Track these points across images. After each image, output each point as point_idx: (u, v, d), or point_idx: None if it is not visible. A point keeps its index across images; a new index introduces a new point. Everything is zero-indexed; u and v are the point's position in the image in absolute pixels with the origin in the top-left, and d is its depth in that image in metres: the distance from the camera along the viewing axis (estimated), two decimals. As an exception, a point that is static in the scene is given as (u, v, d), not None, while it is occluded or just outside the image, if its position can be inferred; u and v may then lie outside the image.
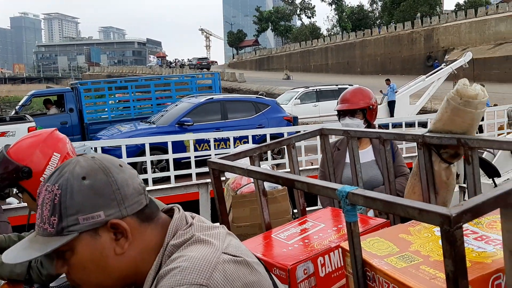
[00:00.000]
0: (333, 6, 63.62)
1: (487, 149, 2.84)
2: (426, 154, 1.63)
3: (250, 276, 0.94)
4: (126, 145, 6.19)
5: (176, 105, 10.21)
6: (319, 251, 1.46)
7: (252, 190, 3.05)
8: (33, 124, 9.17)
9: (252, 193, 3.01)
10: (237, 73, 39.56)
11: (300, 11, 70.26)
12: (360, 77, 37.62)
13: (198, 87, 14.42)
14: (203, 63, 56.50)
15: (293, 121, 9.79)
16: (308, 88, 17.21)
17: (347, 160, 2.37)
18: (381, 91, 17.04)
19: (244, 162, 1.71)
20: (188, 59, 70.42)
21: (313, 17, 70.40)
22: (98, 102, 13.79)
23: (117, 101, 14.43)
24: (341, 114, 2.69)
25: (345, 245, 1.21)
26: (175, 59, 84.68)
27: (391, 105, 16.11)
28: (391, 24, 47.54)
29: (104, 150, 6.30)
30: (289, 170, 2.14)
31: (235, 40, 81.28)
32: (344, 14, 62.26)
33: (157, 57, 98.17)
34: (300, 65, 51.81)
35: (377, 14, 62.37)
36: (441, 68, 15.09)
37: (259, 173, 1.48)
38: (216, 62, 77.27)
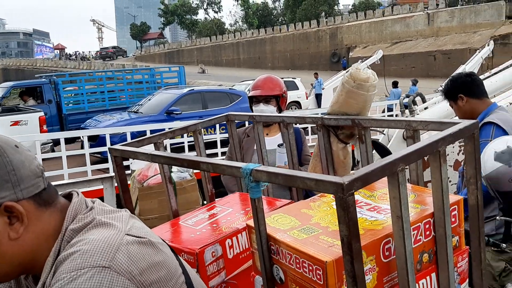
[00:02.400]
0: (239, 1, 64.33)
1: (383, 133, 3.07)
2: (325, 136, 1.72)
3: (155, 256, 0.92)
4: (125, 133, 6.91)
5: (153, 96, 11.06)
6: (227, 234, 1.47)
7: (159, 181, 2.98)
8: (42, 113, 9.77)
9: (160, 184, 2.93)
10: (153, 66, 38.42)
11: (207, 6, 70.14)
12: (271, 71, 38.43)
13: (165, 80, 15.87)
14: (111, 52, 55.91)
15: None
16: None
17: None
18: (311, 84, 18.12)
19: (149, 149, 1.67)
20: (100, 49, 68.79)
21: (220, 12, 70.75)
22: (75, 94, 14.52)
23: (97, 92, 14.74)
24: (255, 100, 2.73)
25: (251, 222, 1.24)
26: (76, 51, 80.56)
27: (318, 97, 17.42)
28: (295, 21, 49.28)
29: (101, 138, 7.19)
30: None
31: (138, 32, 78.88)
32: (249, 10, 63.27)
33: (55, 49, 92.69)
34: (212, 59, 51.81)
35: (280, 12, 64.39)
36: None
37: (163, 157, 1.45)
38: (125, 51, 74.64)
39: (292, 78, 18.22)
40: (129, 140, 5.70)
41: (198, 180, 2.69)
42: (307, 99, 17.73)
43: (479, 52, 13.51)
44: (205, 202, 2.99)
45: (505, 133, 2.35)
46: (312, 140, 7.19)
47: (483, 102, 2.61)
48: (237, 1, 64.73)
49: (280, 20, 62.69)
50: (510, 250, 2.40)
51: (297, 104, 17.35)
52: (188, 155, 1.50)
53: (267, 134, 2.70)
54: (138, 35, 78.81)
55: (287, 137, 1.92)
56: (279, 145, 2.45)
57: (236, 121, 2.08)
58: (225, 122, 2.05)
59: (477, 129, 1.15)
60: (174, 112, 9.56)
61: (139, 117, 9.83)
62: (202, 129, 1.94)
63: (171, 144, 7.65)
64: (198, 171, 1.45)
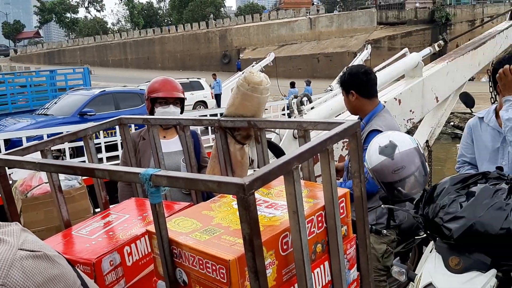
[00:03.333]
0: (123, 0, 62.19)
1: (276, 132, 3.22)
2: (222, 137, 1.76)
3: (52, 270, 0.88)
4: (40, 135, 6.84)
5: (59, 98, 10.93)
6: (124, 241, 1.44)
7: (45, 191, 2.79)
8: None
9: (46, 194, 2.75)
10: (33, 67, 35.31)
11: (88, 4, 66.61)
12: (162, 72, 37.80)
13: (69, 81, 15.28)
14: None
15: None
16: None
17: None
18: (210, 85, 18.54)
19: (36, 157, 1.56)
20: None
21: (102, 11, 67.80)
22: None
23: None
24: (163, 102, 2.64)
25: (152, 228, 1.23)
26: None
27: (218, 97, 17.83)
28: (183, 22, 49.04)
29: (13, 142, 7.08)
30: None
31: (11, 31, 72.27)
32: (134, 10, 61.48)
33: None
34: (97, 60, 49.20)
35: (165, 12, 63.63)
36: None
37: (53, 165, 1.37)
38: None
39: (197, 78, 18.62)
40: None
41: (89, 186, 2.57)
42: (212, 98, 18.12)
43: (359, 55, 14.72)
44: (97, 210, 2.86)
45: None
46: (213, 140, 7.25)
47: (371, 102, 2.77)
48: (121, 0, 62.43)
49: (166, 21, 61.76)
50: (390, 233, 2.67)
51: (203, 104, 17.67)
52: (78, 162, 1.42)
53: (164, 137, 2.66)
54: (11, 34, 72.09)
55: (184, 139, 1.92)
56: (183, 160, 2.42)
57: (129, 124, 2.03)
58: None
59: (359, 128, 1.27)
60: (88, 114, 9.58)
61: (51, 119, 9.70)
62: (92, 134, 1.86)
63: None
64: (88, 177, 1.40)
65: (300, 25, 38.79)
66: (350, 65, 13.41)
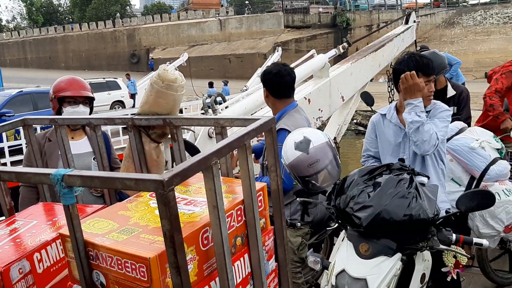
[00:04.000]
0: (19, -3, 57.71)
1: (192, 130, 3.21)
2: (136, 136, 1.72)
3: None
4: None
5: None
6: (34, 247, 1.36)
7: None
8: None
9: None
10: None
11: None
12: (66, 71, 35.60)
13: None
14: None
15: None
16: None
17: None
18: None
19: None
20: None
21: (-5, 8, 62.49)
22: None
23: None
24: (72, 102, 2.50)
25: (65, 231, 1.17)
26: None
27: (133, 97, 17.72)
28: (86, 21, 46.81)
29: None
30: None
31: None
32: (33, 7, 57.31)
33: None
34: (-8, 59, 45.25)
35: (66, 9, 60.24)
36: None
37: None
38: None
39: (114, 78, 18.32)
40: None
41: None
42: (130, 98, 17.82)
43: (271, 57, 15.12)
44: (1, 218, 2.64)
45: None
46: (124, 142, 7.01)
47: (282, 102, 2.83)
48: (17, -4, 57.79)
49: (67, 18, 58.28)
50: (304, 226, 2.79)
51: (121, 104, 17.35)
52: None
53: (72, 138, 2.52)
54: None
55: (95, 140, 1.84)
56: (94, 158, 2.31)
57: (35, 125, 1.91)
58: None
59: (274, 124, 1.32)
60: (6, 114, 9.25)
61: None
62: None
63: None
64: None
65: (210, 26, 38.83)
66: (263, 66, 13.78)
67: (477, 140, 3.07)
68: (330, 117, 5.41)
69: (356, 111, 6.93)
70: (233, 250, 1.23)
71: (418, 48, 6.35)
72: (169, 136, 1.69)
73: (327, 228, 3.19)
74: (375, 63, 5.66)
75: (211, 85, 17.80)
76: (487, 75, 4.38)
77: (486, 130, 3.29)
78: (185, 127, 2.50)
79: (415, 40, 7.10)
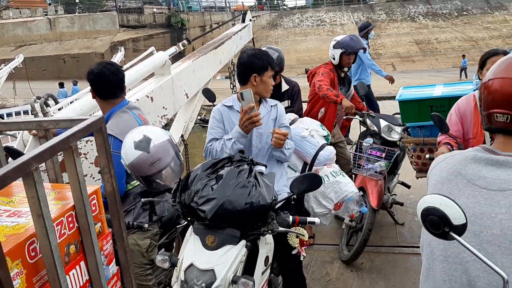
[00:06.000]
0: None
1: (15, 136, 2.90)
2: None
3: None
4: None
5: None
6: None
7: None
8: None
9: None
10: None
11: None
12: None
13: None
14: None
15: None
16: None
17: None
18: None
19: None
20: None
21: None
22: None
23: None
24: None
25: None
26: None
27: None
28: None
29: None
30: None
31: None
32: None
33: None
34: None
35: None
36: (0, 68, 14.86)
37: None
38: None
39: None
40: None
41: None
42: None
43: (115, 56, 14.55)
44: None
45: (120, 142, 2.41)
46: None
47: (108, 103, 2.70)
48: None
49: None
50: (152, 227, 2.75)
51: None
52: None
53: None
54: None
55: None
56: None
57: None
58: None
59: (104, 123, 1.28)
60: None
61: None
62: None
63: None
64: None
65: (39, 26, 35.68)
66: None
67: (306, 129, 3.39)
68: (176, 114, 5.41)
69: (202, 107, 7.04)
70: (66, 259, 1.17)
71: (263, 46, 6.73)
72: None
73: (177, 226, 3.19)
74: (216, 60, 5.82)
75: (61, 85, 16.97)
76: (307, 72, 4.90)
77: (314, 120, 3.65)
78: (8, 132, 2.26)
79: (253, 38, 7.49)
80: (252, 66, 2.66)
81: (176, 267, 2.19)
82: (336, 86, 4.44)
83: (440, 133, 2.75)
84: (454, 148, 2.63)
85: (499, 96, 1.34)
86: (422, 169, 3.66)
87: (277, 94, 3.78)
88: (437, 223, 1.17)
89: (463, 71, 22.62)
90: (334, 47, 4.41)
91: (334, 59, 4.43)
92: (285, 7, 46.88)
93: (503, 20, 36.89)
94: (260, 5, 41.06)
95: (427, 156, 3.10)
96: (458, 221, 1.15)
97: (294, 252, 2.40)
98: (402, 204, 4.49)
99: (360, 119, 4.41)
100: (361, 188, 3.89)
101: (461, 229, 1.16)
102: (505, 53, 2.92)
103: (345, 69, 4.50)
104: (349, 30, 37.53)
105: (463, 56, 25.63)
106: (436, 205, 1.17)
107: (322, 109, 4.42)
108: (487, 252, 1.26)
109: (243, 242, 2.16)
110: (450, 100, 3.34)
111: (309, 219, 2.35)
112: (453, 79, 20.68)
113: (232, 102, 2.81)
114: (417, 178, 3.76)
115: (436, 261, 1.38)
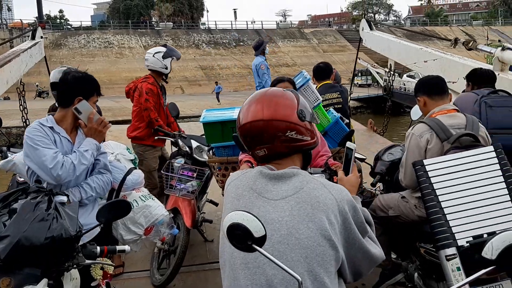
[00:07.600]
0: None
1: None
2: None
3: None
4: None
5: None
6: None
7: None
8: None
9: None
10: None
11: None
12: None
13: None
14: None
15: None
16: None
17: None
18: None
19: None
20: None
21: None
22: None
23: None
24: None
25: None
26: None
27: None
28: None
29: None
30: None
31: None
32: None
33: None
34: None
35: None
36: None
37: None
38: None
39: None
40: None
41: None
42: None
43: None
44: None
45: None
46: None
47: None
48: None
49: None
50: None
51: None
52: None
53: None
54: None
55: None
56: None
57: None
58: None
59: None
60: None
61: None
62: None
63: None
64: None
65: None
66: None
67: (112, 154, 3.25)
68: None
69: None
70: None
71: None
72: None
73: None
74: (3, 80, 5.18)
75: None
76: (125, 91, 5.02)
77: (120, 144, 3.51)
78: None
79: (45, 56, 6.99)
80: (80, 88, 2.55)
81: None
82: (161, 96, 4.85)
83: (240, 152, 2.97)
84: (253, 165, 2.86)
85: (250, 138, 1.64)
86: (227, 187, 3.88)
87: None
88: (242, 237, 1.28)
89: (217, 96, 28.93)
90: (164, 57, 4.76)
91: (166, 68, 4.81)
92: (69, 26, 45.48)
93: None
94: (42, 23, 38.38)
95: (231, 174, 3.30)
96: (259, 233, 1.29)
97: (93, 284, 2.28)
98: (211, 222, 4.66)
99: (172, 139, 4.49)
100: (174, 209, 3.92)
101: (261, 241, 1.29)
102: (289, 80, 3.35)
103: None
104: (137, 53, 38.40)
105: (216, 82, 32.03)
106: (239, 220, 1.28)
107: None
108: (279, 251, 1.46)
109: (44, 281, 1.96)
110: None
111: (118, 247, 2.28)
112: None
113: (51, 123, 2.54)
114: (224, 195, 3.96)
115: (238, 270, 1.51)
